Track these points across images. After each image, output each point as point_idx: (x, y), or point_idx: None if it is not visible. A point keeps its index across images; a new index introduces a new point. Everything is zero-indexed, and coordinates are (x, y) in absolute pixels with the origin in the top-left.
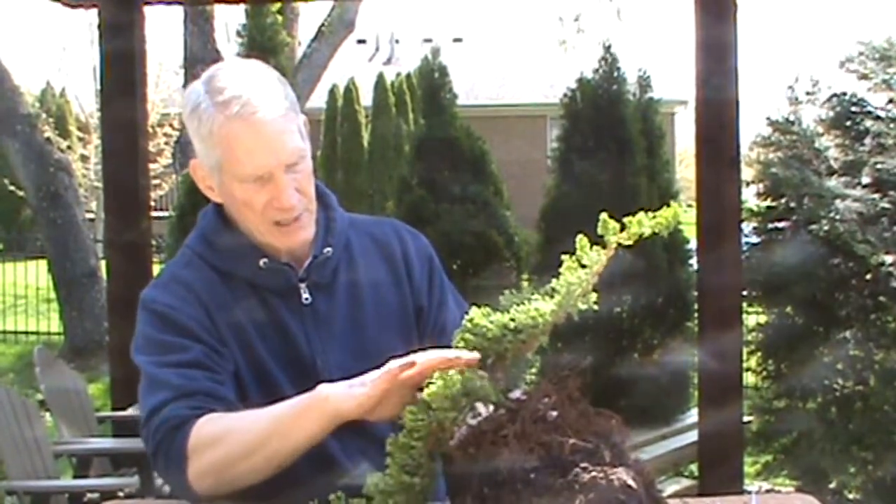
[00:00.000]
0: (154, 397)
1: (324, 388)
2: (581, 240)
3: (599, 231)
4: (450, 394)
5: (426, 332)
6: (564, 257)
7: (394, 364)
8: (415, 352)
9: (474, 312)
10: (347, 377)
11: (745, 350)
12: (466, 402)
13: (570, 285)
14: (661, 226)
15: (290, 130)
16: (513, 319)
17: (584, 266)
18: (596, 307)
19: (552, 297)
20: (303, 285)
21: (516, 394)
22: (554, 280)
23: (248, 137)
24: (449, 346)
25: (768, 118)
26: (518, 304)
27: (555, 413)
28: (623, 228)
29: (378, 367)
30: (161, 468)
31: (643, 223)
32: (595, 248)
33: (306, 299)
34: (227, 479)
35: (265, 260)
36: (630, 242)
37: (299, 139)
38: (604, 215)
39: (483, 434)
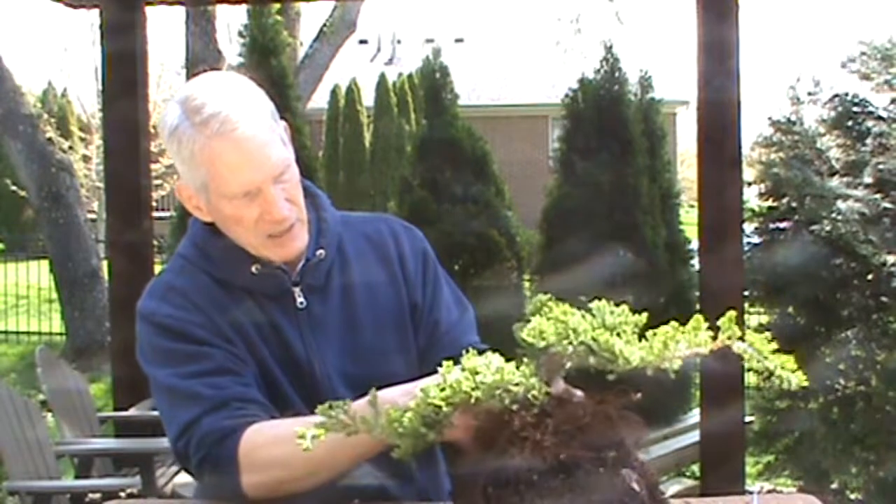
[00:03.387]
0: (187, 411)
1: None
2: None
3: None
4: (503, 383)
5: (420, 328)
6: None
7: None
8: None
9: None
10: (345, 380)
11: None
12: (511, 395)
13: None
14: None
15: (273, 142)
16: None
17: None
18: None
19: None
20: (297, 289)
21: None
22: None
23: (232, 155)
24: (441, 341)
25: (770, 118)
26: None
27: (581, 427)
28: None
29: (375, 368)
30: (210, 480)
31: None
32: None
33: (301, 303)
34: (280, 493)
35: (257, 266)
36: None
37: (282, 148)
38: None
39: (500, 428)
